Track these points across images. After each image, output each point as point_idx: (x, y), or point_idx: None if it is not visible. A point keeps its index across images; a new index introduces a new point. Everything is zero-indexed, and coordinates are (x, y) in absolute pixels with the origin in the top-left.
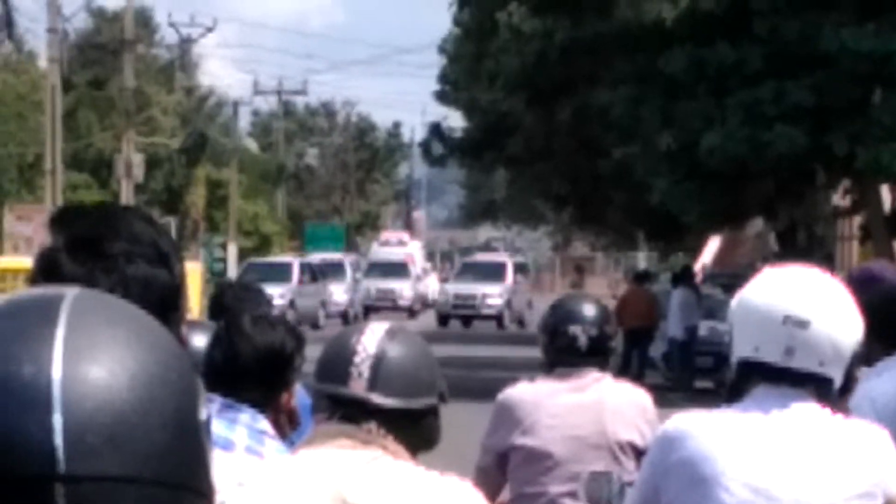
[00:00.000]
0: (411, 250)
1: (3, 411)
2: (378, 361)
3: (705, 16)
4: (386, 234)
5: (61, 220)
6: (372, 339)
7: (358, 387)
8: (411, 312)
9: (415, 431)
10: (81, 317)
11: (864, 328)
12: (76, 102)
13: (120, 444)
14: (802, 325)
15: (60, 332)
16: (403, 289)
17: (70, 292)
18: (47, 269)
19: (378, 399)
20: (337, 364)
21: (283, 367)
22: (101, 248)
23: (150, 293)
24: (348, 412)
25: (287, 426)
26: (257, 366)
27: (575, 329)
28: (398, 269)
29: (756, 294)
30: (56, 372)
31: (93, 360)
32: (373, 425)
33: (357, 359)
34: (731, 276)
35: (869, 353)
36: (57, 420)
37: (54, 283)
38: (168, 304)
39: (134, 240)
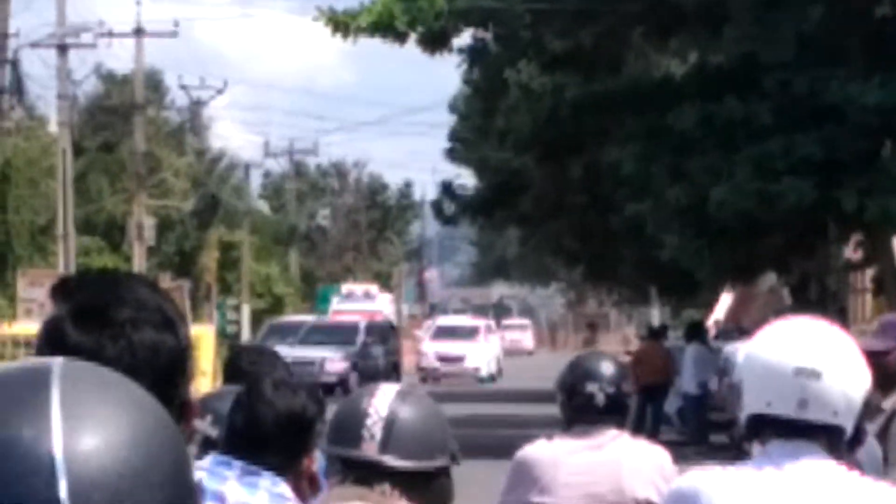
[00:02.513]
0: (380, 305)
1: (6, 480)
2: (390, 423)
3: (714, 71)
4: (349, 287)
5: (65, 288)
6: (383, 400)
7: (370, 449)
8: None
9: (427, 492)
10: (74, 384)
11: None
12: (87, 166)
13: (124, 502)
14: (815, 376)
15: (56, 399)
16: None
17: (56, 361)
18: (53, 339)
19: (391, 461)
20: (349, 427)
21: (305, 432)
22: (107, 315)
23: (157, 359)
24: (361, 474)
25: (308, 490)
26: (278, 431)
27: (592, 387)
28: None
29: (764, 348)
30: (56, 437)
31: (91, 424)
32: (386, 487)
33: (369, 421)
34: (744, 331)
35: None
36: (63, 486)
37: (60, 353)
38: (176, 369)
39: (139, 306)
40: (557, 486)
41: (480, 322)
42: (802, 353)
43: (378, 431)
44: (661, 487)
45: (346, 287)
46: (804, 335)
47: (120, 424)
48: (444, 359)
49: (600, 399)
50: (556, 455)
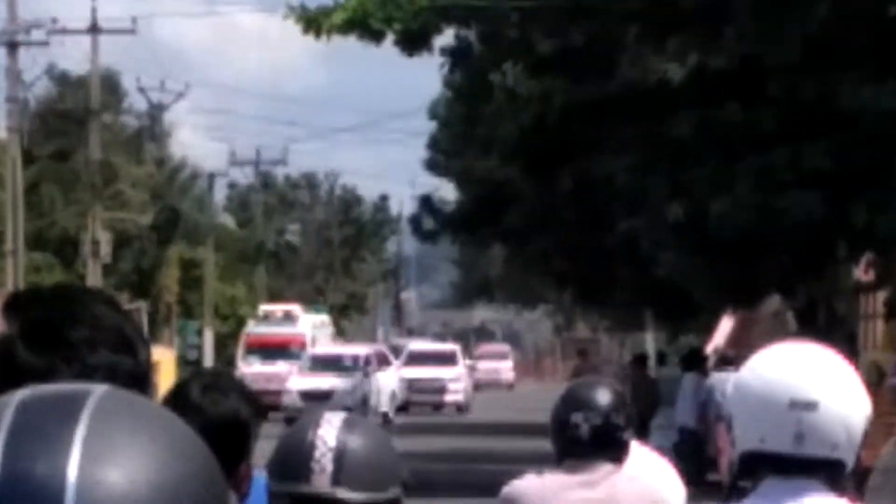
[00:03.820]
0: (301, 329)
1: None
2: (340, 454)
3: (714, 75)
4: (268, 307)
5: (16, 305)
6: (330, 431)
7: (321, 483)
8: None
9: None
10: (105, 416)
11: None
12: (38, 176)
13: None
14: (811, 407)
15: (81, 432)
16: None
17: (97, 389)
18: (3, 360)
19: (344, 494)
20: (296, 460)
21: (238, 439)
22: (60, 335)
23: (113, 383)
24: None
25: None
26: (208, 439)
27: (577, 418)
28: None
29: (755, 379)
30: (72, 473)
31: (111, 464)
32: None
33: (317, 453)
34: (727, 360)
35: None
36: None
37: (10, 374)
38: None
39: (96, 325)
40: None
41: (450, 346)
42: (798, 382)
43: (328, 464)
44: None
45: (263, 308)
46: (798, 363)
47: (146, 465)
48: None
49: (584, 431)
50: (544, 491)
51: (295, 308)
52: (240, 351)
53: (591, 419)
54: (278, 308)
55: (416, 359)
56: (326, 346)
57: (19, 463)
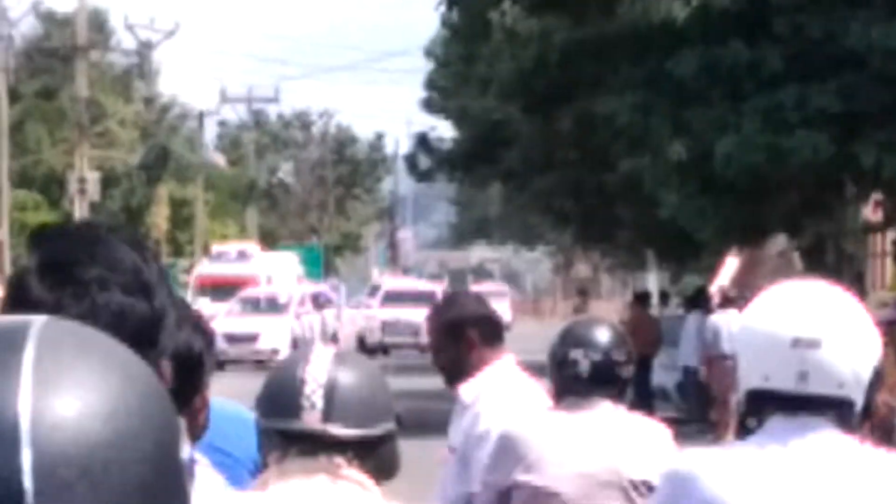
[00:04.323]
0: (256, 268)
1: None
2: (331, 390)
3: (720, 14)
4: (219, 247)
5: (37, 240)
6: (319, 366)
7: (312, 419)
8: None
9: (375, 460)
10: (51, 345)
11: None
12: (24, 114)
13: (94, 479)
14: (814, 345)
15: (28, 362)
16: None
17: (38, 320)
18: (17, 292)
19: (336, 430)
20: (285, 397)
21: (193, 371)
22: (72, 273)
23: (122, 325)
24: (304, 447)
25: (198, 430)
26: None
27: (576, 354)
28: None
29: (760, 317)
30: (24, 403)
31: (64, 390)
32: (335, 458)
33: (307, 389)
34: (730, 300)
35: None
36: (26, 455)
37: (23, 308)
38: (143, 339)
39: (112, 266)
40: (545, 464)
41: (434, 287)
42: (800, 320)
43: (318, 400)
44: (659, 467)
45: (216, 248)
46: (803, 301)
47: (99, 392)
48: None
49: (584, 367)
50: (543, 430)
51: (249, 246)
52: (189, 291)
53: (590, 355)
54: (232, 247)
55: (393, 298)
56: (286, 285)
57: None
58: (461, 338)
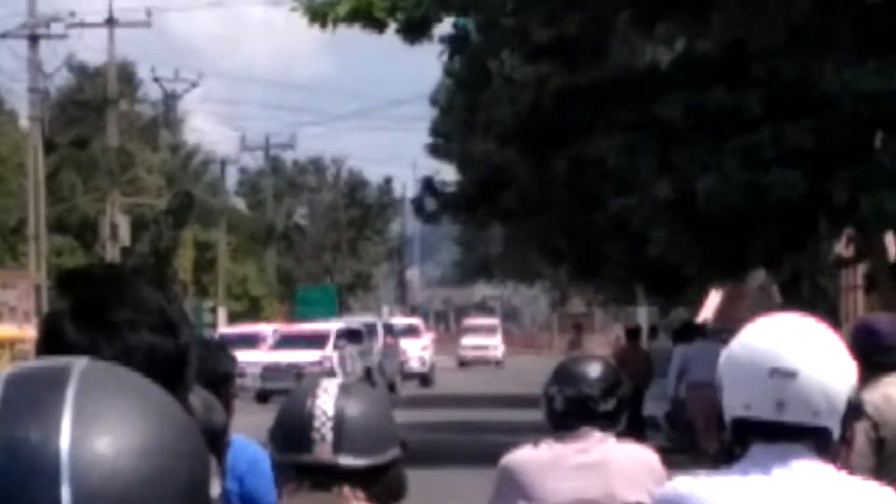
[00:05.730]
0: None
1: (10, 480)
2: (339, 422)
3: (701, 59)
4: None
5: (67, 283)
6: (327, 399)
7: (323, 452)
8: None
9: (383, 485)
10: (91, 386)
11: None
12: (59, 163)
13: None
14: (790, 375)
15: (69, 401)
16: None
17: (79, 362)
18: (52, 334)
19: (346, 461)
20: (296, 431)
21: (221, 389)
22: (105, 315)
23: (152, 363)
24: (317, 479)
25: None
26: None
27: (552, 390)
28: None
29: (741, 349)
30: (64, 441)
31: (102, 430)
32: (345, 489)
33: (317, 423)
34: (733, 331)
35: None
36: (65, 491)
37: (58, 349)
38: (172, 375)
39: (139, 307)
40: (546, 492)
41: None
42: (779, 352)
43: (328, 432)
44: (652, 491)
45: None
46: (782, 333)
47: (136, 431)
48: None
49: (559, 403)
50: (542, 460)
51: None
52: None
53: (564, 391)
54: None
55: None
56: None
57: (15, 433)
58: None
